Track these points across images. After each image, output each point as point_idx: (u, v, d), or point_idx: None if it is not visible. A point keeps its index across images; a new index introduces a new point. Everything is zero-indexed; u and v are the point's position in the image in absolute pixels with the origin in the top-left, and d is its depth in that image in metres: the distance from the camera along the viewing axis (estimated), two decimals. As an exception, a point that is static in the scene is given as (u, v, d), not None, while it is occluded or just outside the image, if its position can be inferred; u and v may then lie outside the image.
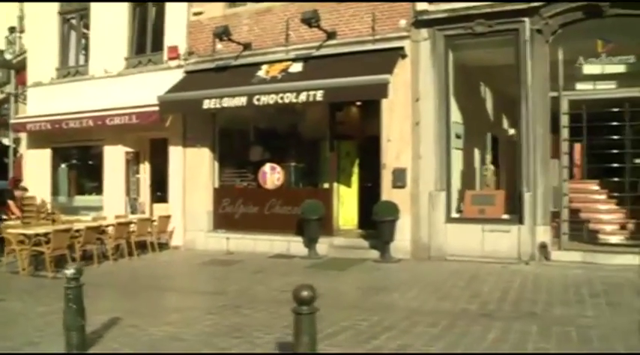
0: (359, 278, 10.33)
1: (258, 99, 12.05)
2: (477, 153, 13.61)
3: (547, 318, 7.30)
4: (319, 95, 11.50)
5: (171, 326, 7.30)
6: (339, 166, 13.53)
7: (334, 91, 11.48)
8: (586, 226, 11.82)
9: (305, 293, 4.75)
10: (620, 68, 11.04)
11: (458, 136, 12.57)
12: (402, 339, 6.52)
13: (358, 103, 13.69)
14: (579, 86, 11.37)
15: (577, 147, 13.53)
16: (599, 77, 11.42)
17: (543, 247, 10.87)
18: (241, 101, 12.22)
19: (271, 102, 11.93)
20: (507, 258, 10.88)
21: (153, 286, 10.24)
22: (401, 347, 6.22)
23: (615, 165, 11.16)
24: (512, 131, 13.57)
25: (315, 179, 13.32)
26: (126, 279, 10.98)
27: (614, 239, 11.57)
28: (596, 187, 13.06)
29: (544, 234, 10.91)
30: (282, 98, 11.82)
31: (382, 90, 11.11)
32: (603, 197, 12.70)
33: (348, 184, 13.79)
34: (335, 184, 13.14)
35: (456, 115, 12.50)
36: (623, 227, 11.90)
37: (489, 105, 12.62)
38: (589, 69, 11.11)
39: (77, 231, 11.75)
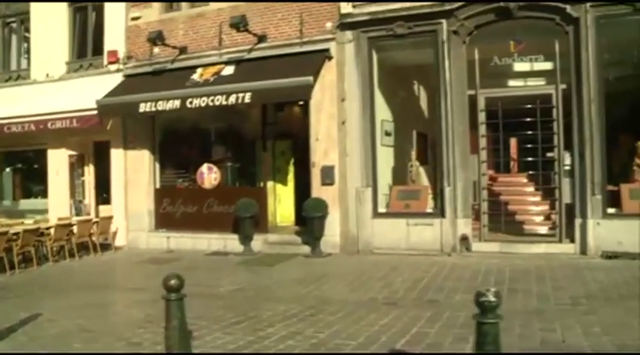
0: (284, 273, 10.74)
1: (191, 102, 12.45)
2: (408, 149, 14.10)
3: (446, 305, 7.79)
4: (247, 97, 11.93)
5: (84, 320, 7.69)
6: (276, 165, 13.98)
7: (261, 93, 11.93)
8: (507, 218, 12.42)
9: (173, 282, 5.15)
10: (532, 66, 11.56)
11: (388, 134, 13.06)
12: (296, 326, 6.95)
13: (299, 103, 14.07)
14: (495, 84, 11.87)
15: (512, 141, 14.15)
16: (512, 75, 11.94)
17: (464, 239, 11.39)
18: (175, 104, 12.60)
19: (203, 104, 12.34)
20: (431, 250, 11.38)
21: (85, 285, 10.57)
22: (291, 334, 6.65)
23: (530, 159, 11.73)
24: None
25: (251, 178, 13.77)
26: (60, 279, 11.27)
27: (540, 229, 12.15)
28: (525, 180, 13.69)
29: (465, 227, 11.44)
30: (212, 101, 12.23)
31: (305, 91, 11.59)
32: (531, 189, 13.33)
33: (285, 182, 14.24)
34: (270, 183, 13.61)
35: (385, 113, 13.00)
36: (547, 217, 12.50)
37: (418, 103, 13.11)
38: (503, 68, 11.61)
39: (15, 234, 11.99)
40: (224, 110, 13.04)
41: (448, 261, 10.92)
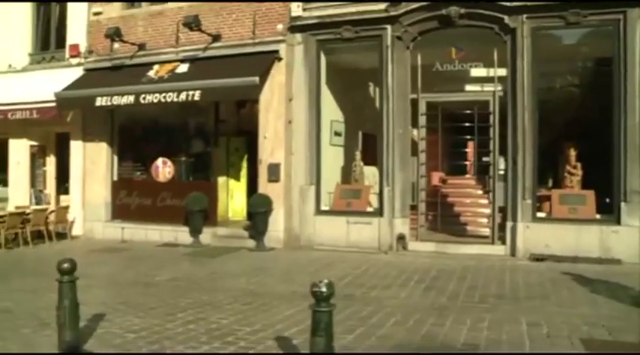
0: (224, 265, 11.11)
1: (144, 98, 12.82)
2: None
3: (358, 300, 8.17)
4: (197, 95, 12.32)
5: (12, 302, 8.12)
6: (230, 161, 14.36)
7: (210, 91, 12.32)
8: (451, 219, 12.83)
9: (65, 266, 5.57)
10: (472, 73, 11.95)
11: (338, 134, 13.47)
12: (206, 313, 7.40)
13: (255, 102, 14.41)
14: (436, 89, 12.26)
15: (470, 144, 14.53)
16: (453, 81, 12.32)
17: (401, 238, 11.79)
18: (129, 99, 12.96)
19: (155, 101, 12.71)
20: (369, 248, 11.77)
21: (29, 272, 10.89)
22: (196, 319, 7.06)
23: (465, 162, 12.14)
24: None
25: (204, 173, 14.11)
26: (7, 266, 11.62)
27: (480, 231, 12.52)
28: (474, 183, 14.10)
29: (402, 226, 11.83)
30: (164, 97, 12.61)
31: (251, 91, 12.01)
32: (478, 192, 13.72)
33: (238, 178, 14.62)
34: (223, 178, 14.00)
35: (335, 114, 13.42)
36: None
37: (367, 105, 13.47)
38: (444, 74, 11.98)
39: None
40: (182, 106, 13.42)
41: (383, 258, 11.31)
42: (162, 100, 12.62)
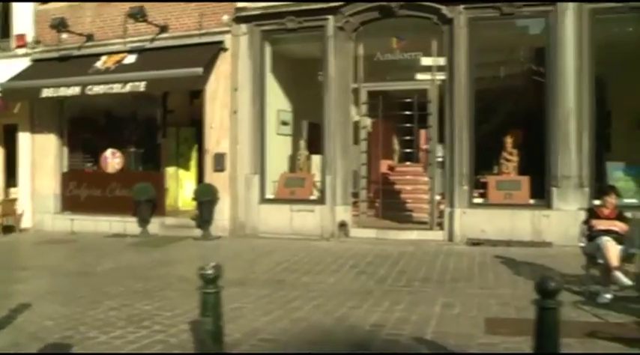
0: (166, 254, 11.24)
1: (90, 89, 12.86)
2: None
3: (287, 284, 8.40)
4: (142, 86, 12.41)
5: None
6: (179, 151, 14.47)
7: (155, 82, 12.43)
8: (396, 205, 13.10)
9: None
10: (412, 62, 12.17)
11: (285, 123, 13.65)
12: (132, 300, 7.56)
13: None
14: (377, 78, 12.49)
15: (422, 133, 14.79)
16: (394, 70, 12.54)
17: (343, 225, 12.02)
18: (75, 91, 12.99)
19: (101, 92, 12.77)
20: (312, 235, 11.99)
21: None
22: (121, 306, 7.22)
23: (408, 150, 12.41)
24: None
25: (153, 163, 14.18)
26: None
27: (423, 217, 12.78)
28: (421, 170, 14.37)
29: (344, 213, 12.06)
30: (110, 88, 12.67)
31: (195, 81, 12.15)
32: (424, 179, 13.98)
33: (187, 168, 14.76)
34: (172, 168, 14.14)
35: (282, 104, 13.61)
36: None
37: (312, 94, 13.62)
38: (386, 63, 12.20)
39: None
40: (132, 97, 13.47)
41: (324, 245, 11.53)
42: (108, 91, 12.68)
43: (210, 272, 4.63)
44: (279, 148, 13.43)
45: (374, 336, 5.92)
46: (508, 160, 11.87)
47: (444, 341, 5.65)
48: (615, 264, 7.04)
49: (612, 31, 11.52)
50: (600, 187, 8.40)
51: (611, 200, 7.76)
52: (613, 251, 7.12)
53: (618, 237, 7.33)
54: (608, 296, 7.12)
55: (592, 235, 7.53)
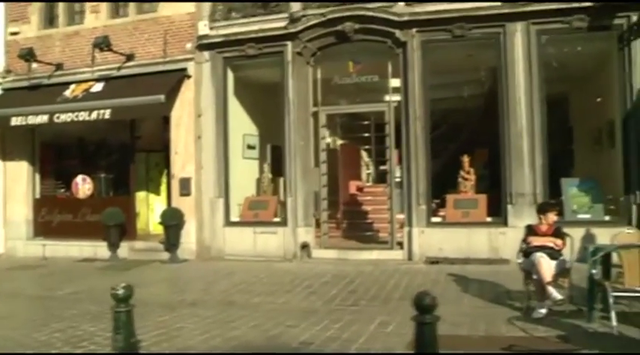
0: (131, 277, 11.08)
1: (58, 117, 13.15)
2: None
3: (236, 305, 8.63)
4: (107, 114, 12.69)
5: None
6: (149, 176, 14.73)
7: (120, 110, 12.72)
8: (361, 225, 13.31)
9: None
10: (368, 85, 12.46)
11: (251, 147, 13.90)
12: (79, 323, 7.72)
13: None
14: (335, 101, 12.79)
15: (395, 153, 15.04)
16: (351, 94, 12.85)
17: (305, 246, 12.21)
18: (44, 119, 13.29)
19: (68, 120, 13.05)
20: (275, 257, 12.18)
21: None
22: (65, 328, 7.41)
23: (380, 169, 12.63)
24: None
25: (124, 189, 14.42)
26: None
27: (385, 236, 12.95)
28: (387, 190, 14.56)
29: (306, 235, 12.26)
30: (77, 116, 12.96)
31: (158, 108, 12.45)
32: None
33: (158, 192, 15.00)
34: (143, 193, 14.39)
35: (248, 128, 13.88)
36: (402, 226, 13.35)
37: (275, 118, 13.90)
38: (343, 87, 12.50)
39: None
40: (102, 123, 13.71)
41: (285, 266, 11.71)
42: (75, 119, 12.96)
43: (120, 292, 4.84)
44: (246, 172, 13.68)
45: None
46: (466, 179, 12.10)
47: (360, 358, 5.84)
48: (548, 279, 7.23)
49: (563, 51, 11.81)
50: (540, 205, 8.58)
51: (550, 217, 7.98)
52: (546, 266, 7.31)
53: (552, 253, 7.52)
54: (543, 311, 7.30)
55: (527, 251, 7.72)
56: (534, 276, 7.45)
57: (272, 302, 8.77)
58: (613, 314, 6.60)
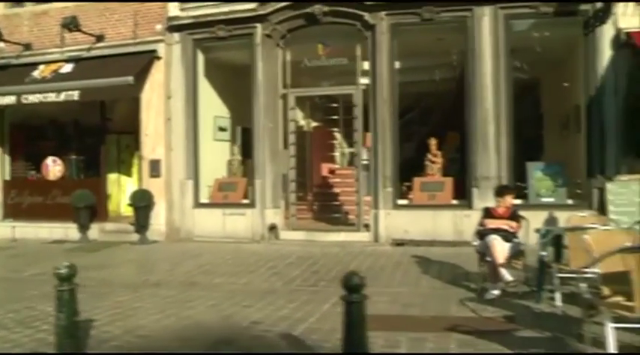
0: (98, 259, 11.37)
1: (26, 98, 13.07)
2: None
3: (198, 285, 8.72)
4: (76, 95, 12.65)
5: None
6: (120, 158, 14.71)
7: (89, 91, 12.68)
8: (332, 207, 13.39)
9: None
10: (338, 68, 12.48)
11: (223, 129, 13.92)
12: (37, 303, 7.65)
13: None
14: (305, 84, 12.83)
15: (368, 136, 15.10)
16: (321, 76, 12.87)
17: (273, 228, 12.30)
18: (11, 100, 13.20)
19: (36, 101, 12.99)
20: (243, 238, 12.28)
21: None
22: (22, 309, 7.45)
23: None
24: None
25: (94, 170, 14.41)
26: None
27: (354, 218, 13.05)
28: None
29: (274, 216, 12.35)
30: (45, 97, 12.88)
31: (127, 90, 12.42)
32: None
33: (129, 174, 14.98)
34: (114, 175, 14.44)
35: (220, 110, 13.90)
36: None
37: (246, 100, 13.90)
38: (312, 69, 12.51)
39: None
40: (72, 105, 13.63)
41: (253, 248, 11.81)
42: (43, 100, 12.89)
43: (63, 271, 4.90)
44: (217, 154, 13.70)
45: (245, 332, 6.20)
46: (433, 162, 12.20)
47: (307, 337, 5.93)
48: (500, 261, 7.35)
49: (531, 36, 11.87)
50: (497, 188, 8.69)
51: (507, 200, 8.10)
52: (499, 248, 7.42)
53: (507, 235, 7.63)
54: (495, 292, 7.44)
55: (482, 234, 7.83)
56: (488, 258, 7.56)
57: (233, 283, 8.86)
58: (558, 295, 6.80)
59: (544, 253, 7.09)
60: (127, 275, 9.90)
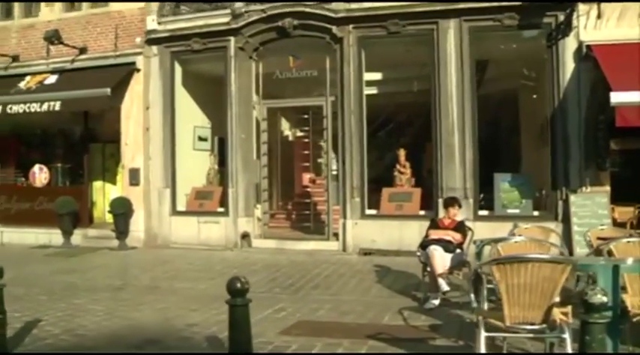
0: (74, 264, 11.72)
1: (11, 109, 13.54)
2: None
3: (158, 289, 9.09)
4: (57, 105, 13.09)
5: None
6: (105, 166, 15.14)
7: (69, 102, 13.15)
8: (307, 216, 13.67)
9: None
10: (308, 80, 12.78)
11: (203, 139, 14.28)
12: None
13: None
14: (276, 95, 13.16)
15: None
16: (292, 88, 13.18)
17: (245, 236, 12.61)
18: (-2, 110, 13.68)
19: (21, 111, 13.46)
20: (217, 246, 12.61)
21: None
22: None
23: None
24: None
25: (79, 178, 14.86)
26: None
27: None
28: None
29: (246, 225, 12.66)
30: (29, 108, 13.34)
31: (105, 101, 12.84)
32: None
33: (114, 182, 15.36)
34: (97, 182, 14.89)
35: (201, 120, 14.27)
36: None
37: (222, 111, 14.25)
38: (283, 81, 12.85)
39: None
40: (60, 115, 14.08)
41: (224, 255, 12.14)
42: (27, 110, 13.36)
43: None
44: (198, 163, 14.05)
45: (175, 334, 6.51)
46: (402, 173, 12.43)
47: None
48: (439, 271, 7.56)
49: (497, 49, 12.09)
50: (444, 199, 8.91)
51: (451, 211, 8.33)
52: (438, 259, 7.63)
53: (448, 246, 7.84)
54: (435, 302, 7.61)
55: (424, 244, 8.05)
56: (428, 268, 7.78)
57: (192, 288, 9.17)
58: (486, 305, 6.97)
59: (479, 263, 7.27)
60: (94, 279, 10.22)
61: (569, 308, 4.67)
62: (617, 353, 4.51)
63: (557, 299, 4.41)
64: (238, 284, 4.52)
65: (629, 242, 5.64)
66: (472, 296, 5.13)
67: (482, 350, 4.56)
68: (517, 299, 4.35)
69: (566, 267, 4.23)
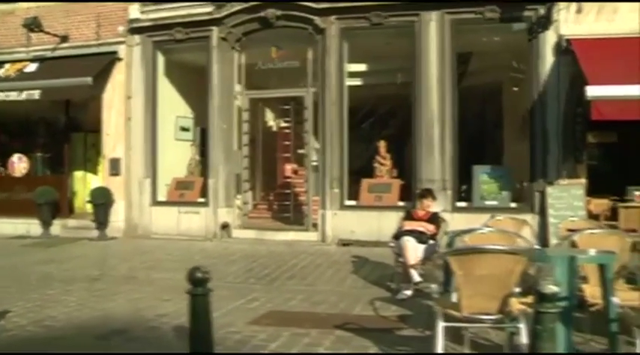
0: (51, 254, 11.61)
1: (-12, 96, 13.43)
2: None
3: (134, 280, 9.08)
4: (37, 94, 13.00)
5: None
6: (86, 156, 15.06)
7: (49, 91, 13.04)
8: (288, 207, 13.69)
9: None
10: (290, 71, 12.76)
11: (185, 129, 14.24)
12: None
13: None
14: (258, 86, 13.13)
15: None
16: (274, 78, 13.16)
17: (225, 226, 12.61)
18: (-26, 98, 13.55)
19: (-1, 99, 13.34)
20: (197, 236, 12.60)
21: None
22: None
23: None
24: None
25: (60, 168, 14.77)
26: None
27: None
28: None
29: (227, 215, 12.66)
30: (7, 96, 13.23)
31: (86, 90, 12.76)
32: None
33: (95, 172, 15.27)
34: (78, 172, 14.79)
35: (183, 110, 14.23)
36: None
37: (205, 101, 14.21)
38: (266, 72, 12.82)
39: None
40: (39, 103, 13.97)
41: (204, 245, 12.13)
42: (6, 99, 13.23)
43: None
44: (179, 153, 14.02)
45: (143, 324, 6.50)
46: (382, 164, 12.46)
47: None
48: (411, 262, 7.60)
49: (480, 41, 12.11)
50: (419, 191, 8.94)
51: (424, 202, 8.36)
52: (410, 250, 7.66)
53: (420, 237, 7.87)
54: (407, 292, 7.62)
55: (397, 235, 8.08)
56: (401, 259, 7.81)
57: (169, 279, 9.10)
58: (454, 296, 7.02)
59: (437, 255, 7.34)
60: (71, 269, 10.17)
61: (529, 299, 4.71)
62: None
63: (515, 289, 4.47)
64: (199, 274, 4.53)
65: (592, 234, 5.68)
66: (433, 286, 5.15)
67: (440, 339, 4.59)
68: (474, 289, 4.39)
69: (521, 258, 4.27)
